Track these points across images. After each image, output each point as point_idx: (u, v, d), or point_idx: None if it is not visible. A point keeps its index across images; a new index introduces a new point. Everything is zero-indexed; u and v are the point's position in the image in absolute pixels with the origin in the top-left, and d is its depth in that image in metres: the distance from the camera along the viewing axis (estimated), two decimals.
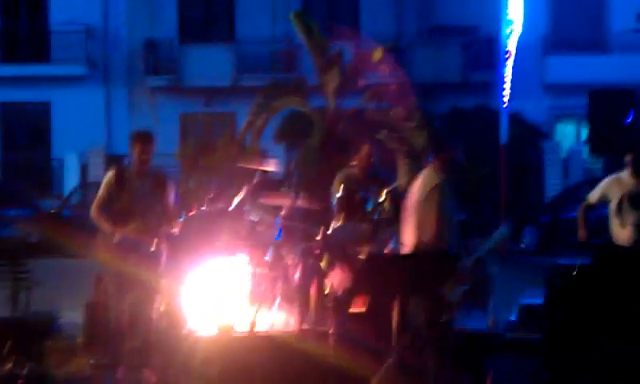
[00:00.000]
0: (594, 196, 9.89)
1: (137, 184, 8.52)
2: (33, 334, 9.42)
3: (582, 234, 10.02)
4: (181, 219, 8.61)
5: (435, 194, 7.55)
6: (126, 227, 8.36)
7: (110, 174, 8.65)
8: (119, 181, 8.53)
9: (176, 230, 8.49)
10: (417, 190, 7.72)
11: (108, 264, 8.47)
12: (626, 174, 9.63)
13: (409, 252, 7.60)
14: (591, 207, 9.99)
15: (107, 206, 8.51)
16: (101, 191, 8.63)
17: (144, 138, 8.68)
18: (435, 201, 7.52)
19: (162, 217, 8.51)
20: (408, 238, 7.62)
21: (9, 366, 8.56)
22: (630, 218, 9.53)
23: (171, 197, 8.67)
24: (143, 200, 8.47)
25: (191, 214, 8.93)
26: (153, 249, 8.15)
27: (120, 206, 8.46)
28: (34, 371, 8.58)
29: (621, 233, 9.60)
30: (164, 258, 8.10)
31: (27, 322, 9.46)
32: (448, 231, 7.54)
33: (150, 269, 8.18)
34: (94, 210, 8.56)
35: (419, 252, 7.49)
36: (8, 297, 8.97)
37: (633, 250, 9.53)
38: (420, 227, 7.51)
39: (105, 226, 8.46)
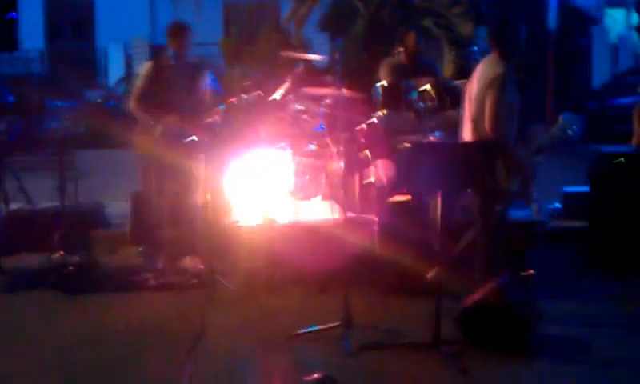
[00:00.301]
0: None
1: (174, 75, 8.49)
2: (80, 224, 9.56)
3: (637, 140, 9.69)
4: (221, 108, 8.58)
5: (497, 83, 7.22)
6: (165, 118, 8.37)
7: (148, 64, 8.64)
8: (156, 72, 8.51)
9: (216, 119, 8.47)
10: (476, 80, 7.42)
11: (150, 154, 8.52)
12: None
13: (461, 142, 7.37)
14: None
15: (145, 98, 8.51)
16: (138, 82, 8.64)
17: (180, 30, 8.63)
18: (496, 91, 7.20)
19: (199, 107, 8.50)
20: (467, 132, 7.38)
21: (58, 255, 8.71)
22: None
23: (207, 86, 8.64)
24: (181, 90, 8.45)
25: (232, 101, 8.86)
26: (194, 138, 8.13)
27: (158, 97, 8.44)
28: (82, 260, 8.72)
29: None
30: (206, 147, 8.08)
31: (75, 212, 9.59)
32: (509, 122, 7.26)
33: (193, 158, 8.21)
34: (132, 102, 8.58)
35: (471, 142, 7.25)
36: (56, 188, 9.07)
37: None
38: (479, 119, 7.24)
39: (144, 117, 8.47)
